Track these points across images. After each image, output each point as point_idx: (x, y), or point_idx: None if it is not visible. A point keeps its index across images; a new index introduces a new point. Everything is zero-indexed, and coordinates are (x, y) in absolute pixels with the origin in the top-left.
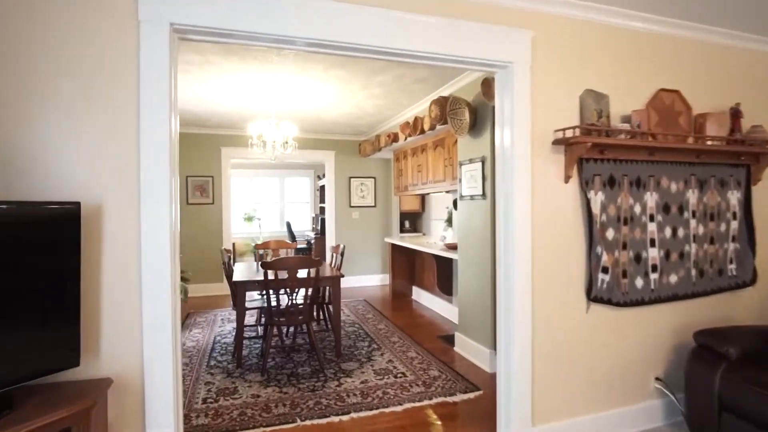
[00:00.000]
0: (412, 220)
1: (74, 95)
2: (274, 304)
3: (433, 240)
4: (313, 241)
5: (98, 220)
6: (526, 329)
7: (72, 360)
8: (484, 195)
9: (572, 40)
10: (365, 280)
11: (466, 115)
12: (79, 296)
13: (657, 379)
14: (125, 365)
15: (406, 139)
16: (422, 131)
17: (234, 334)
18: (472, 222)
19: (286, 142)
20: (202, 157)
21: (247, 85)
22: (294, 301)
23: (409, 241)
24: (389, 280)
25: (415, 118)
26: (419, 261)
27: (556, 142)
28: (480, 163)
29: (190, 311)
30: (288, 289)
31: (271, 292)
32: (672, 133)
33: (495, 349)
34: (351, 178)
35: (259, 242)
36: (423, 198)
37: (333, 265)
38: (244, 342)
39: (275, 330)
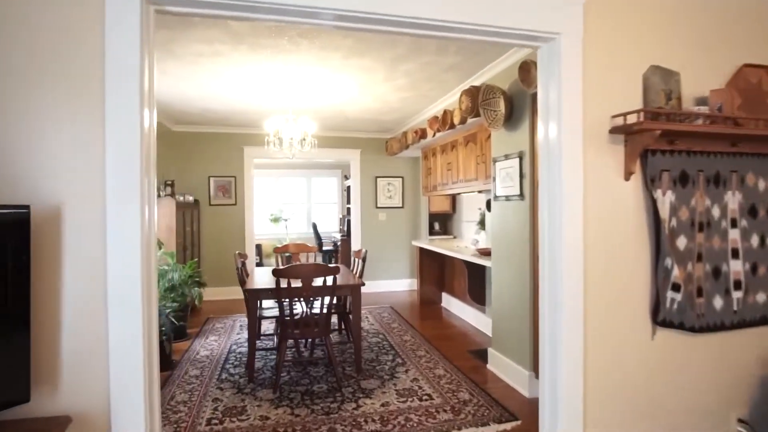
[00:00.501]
0: (442, 222)
1: (27, 80)
2: (288, 314)
3: (464, 244)
4: (339, 243)
5: (56, 227)
6: (576, 356)
7: (19, 394)
8: (521, 195)
9: (633, 6)
10: (392, 285)
11: (501, 106)
12: (28, 316)
13: (740, 421)
14: (87, 400)
15: (434, 134)
16: (452, 126)
17: None
18: (507, 225)
19: (304, 139)
20: (224, 156)
21: (261, 78)
22: (310, 312)
23: (438, 245)
24: (417, 286)
25: (444, 112)
26: (449, 266)
27: (615, 131)
28: (517, 159)
29: (209, 316)
30: (302, 299)
31: (285, 301)
32: (763, 117)
33: (535, 371)
34: (377, 177)
35: (285, 243)
36: (453, 198)
37: (354, 272)
38: (261, 352)
39: (291, 342)
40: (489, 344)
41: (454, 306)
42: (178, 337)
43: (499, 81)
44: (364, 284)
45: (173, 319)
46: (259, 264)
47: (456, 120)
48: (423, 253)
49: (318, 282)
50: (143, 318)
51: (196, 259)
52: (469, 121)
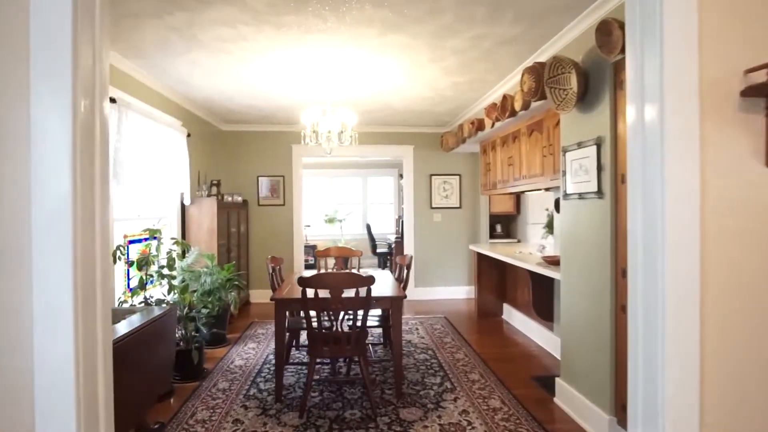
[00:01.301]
0: (505, 224)
1: None
2: (317, 328)
3: (528, 249)
4: (393, 246)
5: None
6: (689, 410)
7: None
8: (599, 192)
9: None
10: (447, 292)
11: (573, 82)
12: None
13: None
14: None
15: (493, 124)
16: (513, 113)
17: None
18: (579, 229)
19: (342, 132)
20: (272, 155)
21: (293, 65)
22: (341, 328)
23: (498, 251)
24: (475, 295)
25: (504, 97)
26: (511, 273)
27: (750, 93)
28: (593, 148)
29: (253, 320)
30: (332, 313)
31: (316, 314)
32: None
33: (618, 416)
34: (432, 175)
35: (341, 245)
36: (517, 197)
37: (399, 280)
38: (297, 366)
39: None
40: (557, 370)
41: (517, 320)
42: (216, 342)
43: (569, 53)
44: (405, 296)
45: (201, 326)
46: (312, 266)
47: (517, 105)
48: (481, 258)
49: (351, 293)
50: (76, 341)
51: (234, 262)
52: (534, 105)
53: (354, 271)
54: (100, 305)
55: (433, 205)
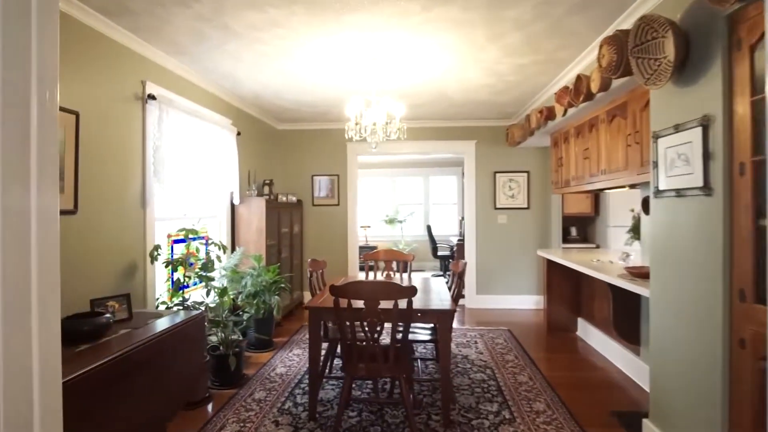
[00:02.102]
0: (582, 226)
1: None
2: (351, 342)
3: (609, 257)
4: (455, 248)
5: None
6: None
7: None
8: (707, 187)
9: None
10: (512, 301)
11: (669, 47)
12: None
13: None
14: None
15: (565, 111)
16: (589, 96)
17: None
18: (677, 234)
19: (388, 123)
20: (326, 154)
21: (334, 54)
22: (374, 344)
23: (572, 257)
24: (544, 306)
25: (578, 78)
26: (588, 284)
27: None
28: (698, 130)
29: (303, 324)
30: (367, 326)
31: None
32: None
33: None
34: (496, 173)
35: (401, 247)
36: (596, 197)
37: (452, 290)
38: (337, 381)
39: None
40: (644, 406)
41: (594, 338)
42: (262, 346)
43: (662, 12)
44: (455, 310)
45: (239, 330)
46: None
47: (594, 86)
48: (552, 265)
49: (389, 304)
50: None
51: (278, 264)
52: (615, 85)
53: (403, 276)
54: (36, 321)
55: (498, 206)
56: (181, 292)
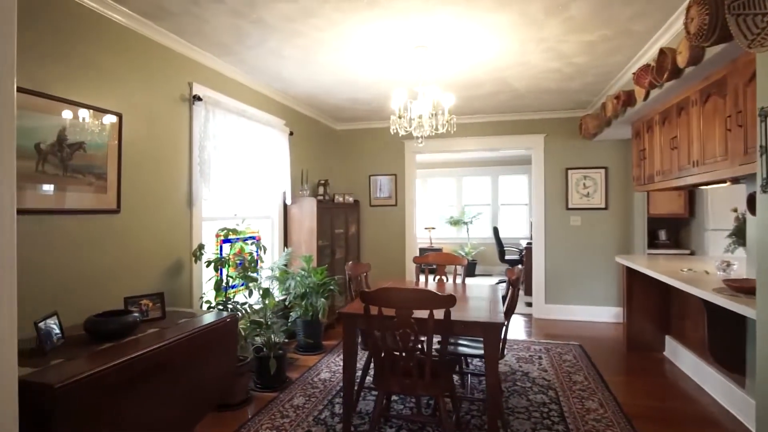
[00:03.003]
0: (672, 230)
1: None
2: (385, 355)
3: (705, 266)
4: (524, 252)
5: None
6: None
7: None
8: None
9: None
10: (587, 313)
11: None
12: None
13: None
14: None
15: (647, 94)
16: (675, 72)
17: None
18: None
19: (435, 114)
20: (384, 153)
21: (373, 42)
22: (411, 356)
23: (658, 266)
24: (624, 319)
25: (660, 53)
26: (679, 297)
27: None
28: None
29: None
30: (398, 338)
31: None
32: None
33: None
34: (569, 169)
35: (467, 250)
36: (690, 194)
37: (506, 300)
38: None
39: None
40: None
41: (686, 361)
42: (311, 349)
43: None
44: (504, 323)
45: (280, 332)
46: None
47: (681, 59)
48: (633, 273)
49: (426, 313)
50: None
51: (326, 265)
52: (708, 56)
53: (457, 281)
54: None
55: (570, 206)
56: (224, 292)
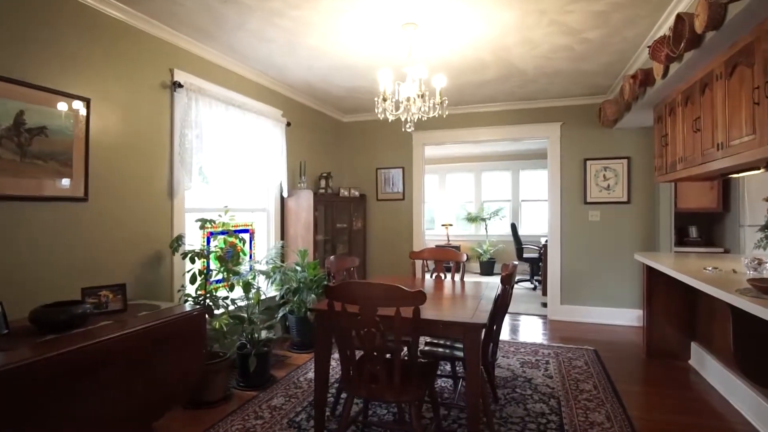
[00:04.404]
0: (705, 226)
1: None
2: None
3: (733, 266)
4: (543, 250)
5: None
6: None
7: None
8: None
9: None
10: (605, 315)
11: None
12: None
13: None
14: None
15: (666, 71)
16: (693, 40)
17: None
18: None
19: (422, 96)
20: (391, 145)
21: (355, 20)
22: (376, 359)
23: (684, 265)
24: (644, 323)
25: (677, 19)
26: (706, 299)
27: None
28: None
29: None
30: (361, 336)
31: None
32: None
33: None
34: (587, 160)
35: (485, 248)
36: (724, 187)
37: (497, 298)
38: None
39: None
40: None
41: (712, 371)
42: (304, 347)
43: None
44: (485, 325)
45: (257, 329)
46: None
47: (699, 24)
48: (654, 273)
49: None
50: None
51: (317, 260)
52: (730, 17)
53: (456, 278)
54: None
55: (589, 200)
56: (205, 285)
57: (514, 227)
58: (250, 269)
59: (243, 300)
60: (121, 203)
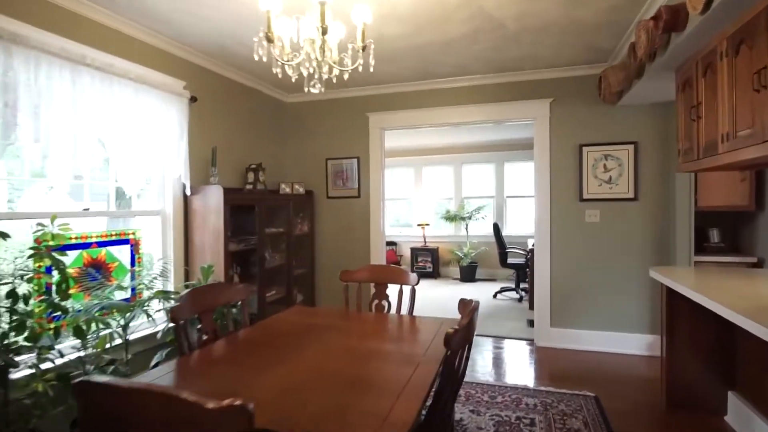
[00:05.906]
0: (729, 227)
1: None
2: None
3: None
4: (529, 255)
5: None
6: None
7: None
8: None
9: None
10: (609, 341)
11: None
12: None
13: None
14: None
15: (707, 4)
16: None
17: None
18: None
19: (324, 32)
20: (344, 131)
21: None
22: None
23: (714, 284)
24: (663, 353)
25: None
26: (747, 334)
27: None
28: None
29: None
30: None
31: None
32: None
33: None
34: (584, 146)
35: (466, 250)
36: (758, 178)
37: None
38: None
39: None
40: None
41: None
42: None
43: None
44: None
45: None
46: (430, 274)
47: None
48: (675, 295)
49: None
50: None
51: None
52: None
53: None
54: None
55: (586, 196)
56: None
57: (496, 228)
58: (133, 292)
59: (91, 347)
60: None
